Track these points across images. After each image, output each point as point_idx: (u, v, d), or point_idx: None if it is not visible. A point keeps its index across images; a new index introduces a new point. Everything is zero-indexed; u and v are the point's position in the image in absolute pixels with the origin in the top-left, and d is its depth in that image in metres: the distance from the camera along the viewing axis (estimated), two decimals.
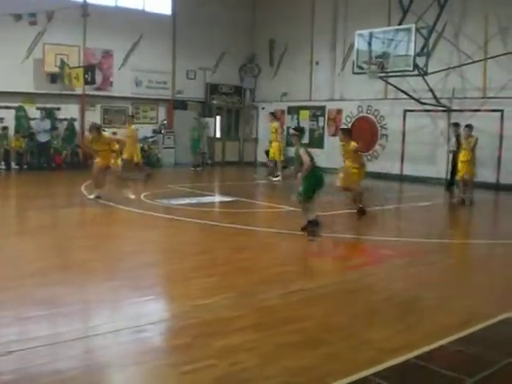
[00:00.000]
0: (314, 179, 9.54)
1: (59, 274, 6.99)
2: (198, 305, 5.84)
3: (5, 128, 19.65)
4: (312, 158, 9.54)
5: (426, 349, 4.80)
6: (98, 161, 12.99)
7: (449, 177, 16.97)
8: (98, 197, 12.74)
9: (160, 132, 23.18)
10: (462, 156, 14.17)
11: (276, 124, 19.01)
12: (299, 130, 10.48)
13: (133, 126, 17.22)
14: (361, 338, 5.14)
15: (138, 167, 16.58)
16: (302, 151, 9.57)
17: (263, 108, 24.66)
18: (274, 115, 19.91)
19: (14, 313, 5.51)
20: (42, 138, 19.94)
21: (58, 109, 20.94)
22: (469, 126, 14.25)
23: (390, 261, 8.23)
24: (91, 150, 13.45)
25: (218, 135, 24.81)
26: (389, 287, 6.89)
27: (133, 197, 12.87)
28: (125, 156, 15.03)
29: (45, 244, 8.87)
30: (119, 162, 13.28)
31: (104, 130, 14.93)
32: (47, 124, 20.16)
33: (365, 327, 5.46)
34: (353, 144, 11.64)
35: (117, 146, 13.23)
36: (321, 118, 22.63)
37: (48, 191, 15.69)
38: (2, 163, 19.61)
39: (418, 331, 5.33)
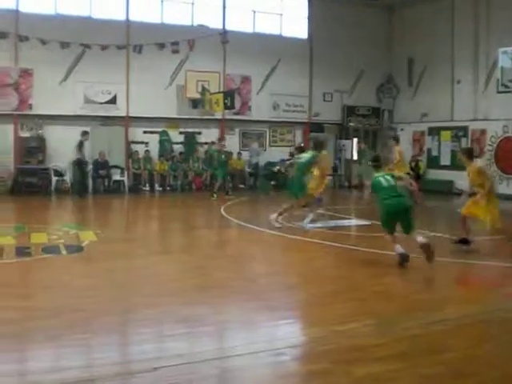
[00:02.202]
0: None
1: (199, 293, 7.11)
2: (337, 330, 5.69)
3: (147, 151, 20.61)
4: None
5: None
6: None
7: None
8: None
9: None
10: None
11: (399, 148, 18.29)
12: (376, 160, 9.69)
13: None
14: (507, 370, 4.81)
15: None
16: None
17: (402, 129, 24.09)
18: (397, 139, 19.05)
19: (156, 330, 5.67)
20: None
21: (199, 133, 21.73)
22: None
23: None
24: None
25: (355, 157, 24.51)
26: None
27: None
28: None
29: (185, 263, 9.10)
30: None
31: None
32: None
33: (510, 360, 5.09)
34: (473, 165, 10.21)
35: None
36: (463, 139, 21.72)
37: (189, 213, 16.18)
38: (147, 185, 20.52)
39: None
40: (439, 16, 22.49)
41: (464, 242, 10.11)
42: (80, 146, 18.34)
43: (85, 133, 18.63)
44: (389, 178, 9.12)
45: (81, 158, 18.57)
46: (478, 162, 10.45)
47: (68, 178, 19.54)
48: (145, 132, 19.83)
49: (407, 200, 9.21)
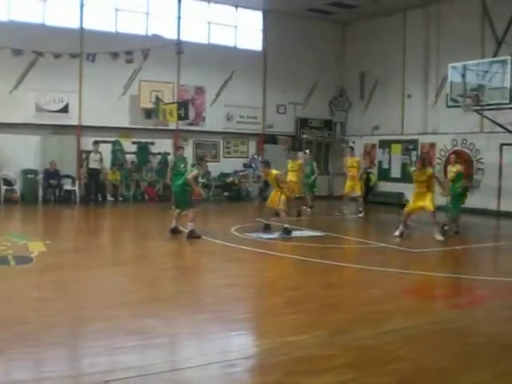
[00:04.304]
0: None
1: (150, 305, 7.07)
2: (289, 341, 5.73)
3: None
4: None
5: None
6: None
7: None
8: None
9: (250, 166, 23.38)
10: None
11: (358, 159, 18.69)
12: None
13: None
14: (456, 381, 4.91)
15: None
16: None
17: (353, 142, 24.46)
18: (353, 149, 19.60)
19: (107, 343, 5.60)
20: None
21: (153, 143, 21.62)
22: None
23: (488, 302, 7.83)
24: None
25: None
26: (486, 330, 6.52)
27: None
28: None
29: (136, 275, 9.03)
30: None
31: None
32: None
33: (460, 370, 5.20)
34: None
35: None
36: (413, 152, 22.17)
37: (140, 224, 16.07)
38: (99, 195, 20.25)
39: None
40: (391, 31, 23.01)
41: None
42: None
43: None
44: None
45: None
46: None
47: (18, 187, 19.17)
48: (96, 142, 19.54)
49: None
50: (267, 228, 13.56)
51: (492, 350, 5.81)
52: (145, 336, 5.83)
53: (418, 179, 12.97)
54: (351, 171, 18.12)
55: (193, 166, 14.12)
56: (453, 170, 14.16)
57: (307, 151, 19.66)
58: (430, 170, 13.22)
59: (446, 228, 13.57)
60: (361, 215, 17.56)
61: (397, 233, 13.07)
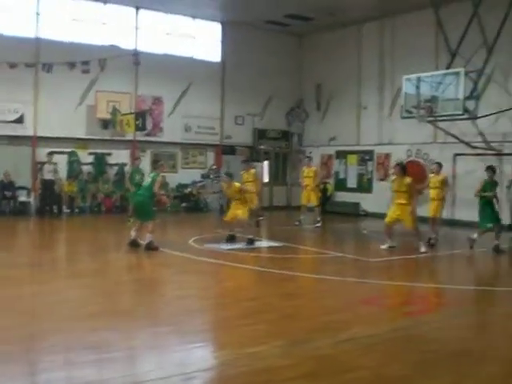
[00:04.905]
0: None
1: (107, 318, 7.00)
2: (248, 353, 5.73)
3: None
4: None
5: None
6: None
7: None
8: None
9: (208, 177, 23.34)
10: None
11: (315, 168, 18.87)
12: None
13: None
14: None
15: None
16: None
17: (310, 152, 24.69)
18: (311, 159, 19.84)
19: (63, 357, 5.52)
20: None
21: (110, 154, 21.43)
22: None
23: (442, 309, 8.00)
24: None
25: (266, 180, 24.86)
26: (441, 337, 6.66)
27: None
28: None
29: (93, 288, 8.93)
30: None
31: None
32: None
33: (420, 378, 5.29)
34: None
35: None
36: (369, 163, 22.50)
37: (97, 236, 15.89)
38: (54, 207, 19.93)
39: (470, 382, 5.16)
40: (347, 43, 23.36)
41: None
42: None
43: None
44: None
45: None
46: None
47: None
48: (50, 153, 19.25)
49: None
50: (231, 239, 13.52)
51: (448, 356, 5.91)
52: (103, 350, 5.76)
53: (398, 189, 12.69)
54: (307, 181, 18.24)
55: (151, 172, 13.99)
56: (437, 179, 14.22)
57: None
58: (408, 179, 12.70)
59: (432, 241, 13.77)
60: (318, 225, 17.70)
61: (384, 246, 12.97)
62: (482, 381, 5.18)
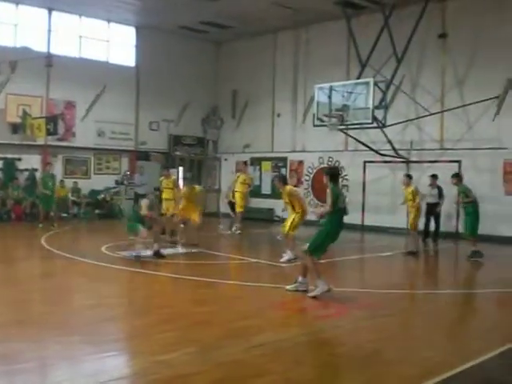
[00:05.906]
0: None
1: (17, 328, 6.85)
2: (159, 360, 5.76)
3: None
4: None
5: None
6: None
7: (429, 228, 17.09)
8: None
9: (122, 183, 23.08)
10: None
11: (246, 175, 19.01)
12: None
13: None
14: None
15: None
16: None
17: (225, 159, 24.91)
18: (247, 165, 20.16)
19: None
20: None
21: (19, 159, 20.80)
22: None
23: (352, 312, 8.24)
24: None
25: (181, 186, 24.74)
26: (352, 339, 6.88)
27: None
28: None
29: (1, 298, 8.69)
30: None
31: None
32: None
33: (329, 380, 5.45)
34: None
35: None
36: (283, 169, 22.88)
37: (6, 243, 15.43)
38: None
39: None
40: (262, 51, 23.72)
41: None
42: None
43: None
44: None
45: None
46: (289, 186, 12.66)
47: None
48: None
49: None
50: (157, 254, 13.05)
51: (358, 358, 6.11)
52: (12, 361, 5.64)
53: (284, 200, 12.48)
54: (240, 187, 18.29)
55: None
56: (408, 190, 14.36)
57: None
58: (288, 188, 12.42)
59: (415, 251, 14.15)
60: (239, 231, 17.76)
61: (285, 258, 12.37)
62: (392, 383, 5.38)
